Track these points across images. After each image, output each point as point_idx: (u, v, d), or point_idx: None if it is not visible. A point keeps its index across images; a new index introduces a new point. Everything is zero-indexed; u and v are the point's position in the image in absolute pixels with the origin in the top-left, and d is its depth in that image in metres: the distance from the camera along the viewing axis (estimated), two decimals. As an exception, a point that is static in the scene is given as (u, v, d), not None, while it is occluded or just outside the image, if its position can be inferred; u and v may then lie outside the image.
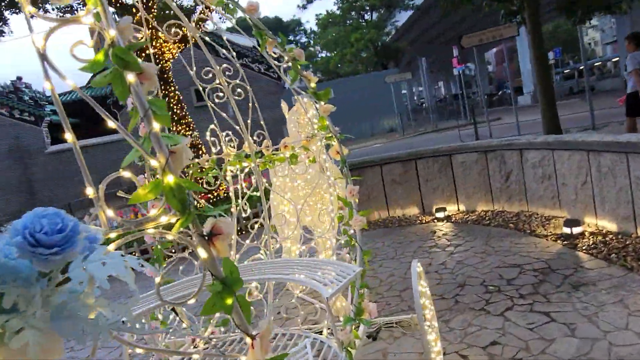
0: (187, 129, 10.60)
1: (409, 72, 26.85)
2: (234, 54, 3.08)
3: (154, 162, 0.98)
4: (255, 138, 3.32)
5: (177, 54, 11.06)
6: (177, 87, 10.69)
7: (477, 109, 20.03)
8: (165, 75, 10.48)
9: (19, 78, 28.78)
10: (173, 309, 2.87)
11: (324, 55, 42.88)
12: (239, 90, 3.18)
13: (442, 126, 22.85)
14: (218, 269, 1.00)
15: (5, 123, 22.20)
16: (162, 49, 10.41)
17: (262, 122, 3.35)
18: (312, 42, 44.35)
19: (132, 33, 1.11)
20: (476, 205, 6.29)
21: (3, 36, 12.23)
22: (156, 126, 0.98)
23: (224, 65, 3.22)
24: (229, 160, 3.27)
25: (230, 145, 3.32)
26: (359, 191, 2.81)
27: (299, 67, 2.60)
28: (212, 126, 3.41)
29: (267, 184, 3.60)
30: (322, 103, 2.71)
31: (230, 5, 2.38)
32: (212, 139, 3.42)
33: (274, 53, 2.55)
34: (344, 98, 23.66)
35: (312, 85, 2.66)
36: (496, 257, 4.44)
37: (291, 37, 49.85)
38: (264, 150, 3.20)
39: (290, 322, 3.78)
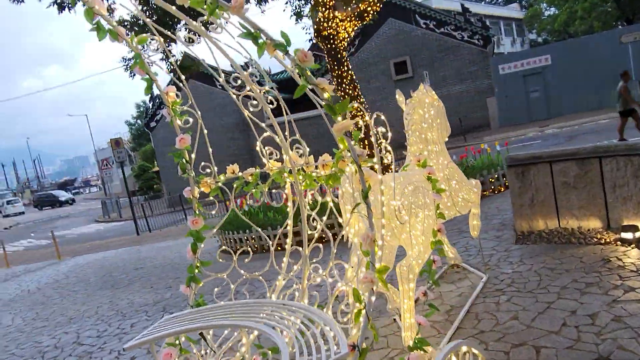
0: (358, 108, 10.39)
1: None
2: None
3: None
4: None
5: (352, 32, 10.86)
6: (350, 66, 10.52)
7: None
8: (339, 56, 10.40)
9: (251, 58, 33.12)
10: (201, 334, 2.71)
11: (551, 12, 37.09)
12: (270, 97, 2.72)
13: None
14: None
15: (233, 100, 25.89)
16: (338, 29, 10.32)
17: (297, 137, 2.83)
18: (538, -3, 38.75)
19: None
20: (689, 229, 4.43)
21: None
22: None
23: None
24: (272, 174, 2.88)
25: (275, 159, 2.92)
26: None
27: (309, 73, 2.02)
28: (261, 139, 3.03)
29: (333, 199, 3.09)
30: (339, 119, 2.07)
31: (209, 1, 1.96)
32: (268, 148, 3.07)
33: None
34: (567, 63, 20.05)
35: (326, 95, 2.05)
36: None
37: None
38: (305, 167, 2.70)
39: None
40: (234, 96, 2.88)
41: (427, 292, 2.91)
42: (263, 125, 3.03)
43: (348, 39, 10.96)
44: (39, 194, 53.38)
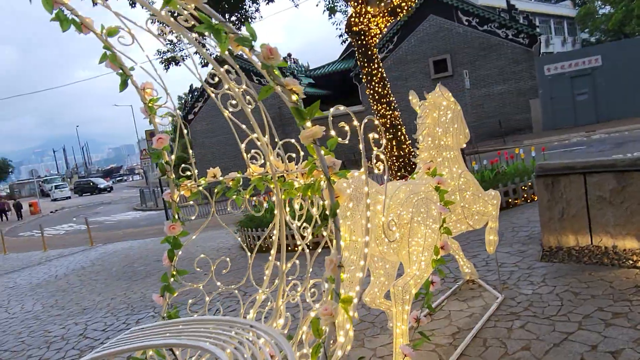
0: (387, 108, 10.05)
1: None
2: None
3: None
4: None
5: (385, 29, 10.50)
6: (380, 64, 10.17)
7: None
8: (370, 52, 10.07)
9: (289, 55, 33.17)
10: (171, 349, 2.54)
11: (605, 11, 35.12)
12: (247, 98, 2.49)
13: None
14: None
15: (271, 95, 25.76)
16: (369, 25, 9.99)
17: (292, 141, 2.59)
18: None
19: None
20: None
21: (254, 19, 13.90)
22: None
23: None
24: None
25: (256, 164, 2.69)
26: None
27: (276, 72, 1.77)
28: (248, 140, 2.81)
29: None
30: (308, 124, 1.82)
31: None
32: (255, 151, 2.84)
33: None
34: (619, 65, 18.84)
35: (294, 98, 1.80)
36: None
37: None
38: (286, 175, 2.46)
39: None
40: (213, 95, 2.66)
41: (421, 317, 2.61)
42: (244, 126, 2.80)
43: (380, 35, 10.61)
44: (79, 181, 55.70)
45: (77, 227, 24.17)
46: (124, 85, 2.35)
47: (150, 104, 2.48)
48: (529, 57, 20.97)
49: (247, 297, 3.47)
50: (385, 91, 10.13)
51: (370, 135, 2.41)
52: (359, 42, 10.09)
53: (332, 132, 2.12)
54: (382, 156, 2.48)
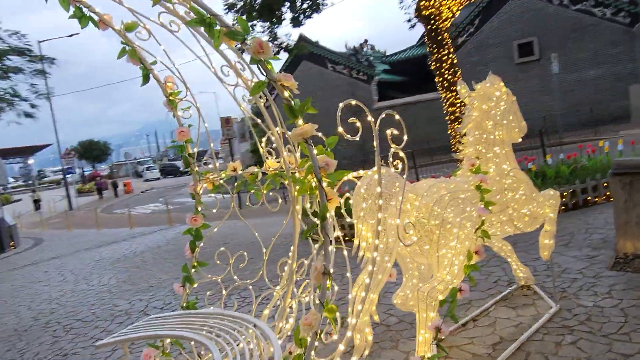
0: (457, 96, 9.54)
1: None
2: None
3: None
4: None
5: (457, 11, 9.93)
6: (451, 49, 9.66)
7: None
8: (440, 37, 9.59)
9: (366, 40, 32.73)
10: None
11: None
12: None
13: None
14: None
15: (345, 82, 25.81)
16: (440, 8, 9.50)
17: (286, 134, 2.49)
18: None
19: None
20: None
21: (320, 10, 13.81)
22: None
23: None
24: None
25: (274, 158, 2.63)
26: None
27: (269, 66, 1.70)
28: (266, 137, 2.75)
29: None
30: (299, 122, 1.72)
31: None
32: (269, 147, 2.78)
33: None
34: None
35: (286, 94, 1.71)
36: None
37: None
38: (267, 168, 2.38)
39: None
40: (229, 89, 2.63)
41: (442, 327, 2.43)
42: (258, 121, 2.75)
43: (453, 19, 10.06)
44: (164, 164, 59.68)
45: (162, 207, 25.89)
46: (145, 79, 2.40)
47: (171, 98, 2.51)
48: (629, 38, 18.86)
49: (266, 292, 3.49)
50: (456, 78, 9.62)
51: (389, 132, 2.26)
52: (429, 26, 9.65)
53: (340, 129, 2.01)
54: (401, 153, 2.33)
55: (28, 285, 8.94)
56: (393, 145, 2.29)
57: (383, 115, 2.41)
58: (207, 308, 3.01)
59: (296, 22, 14.27)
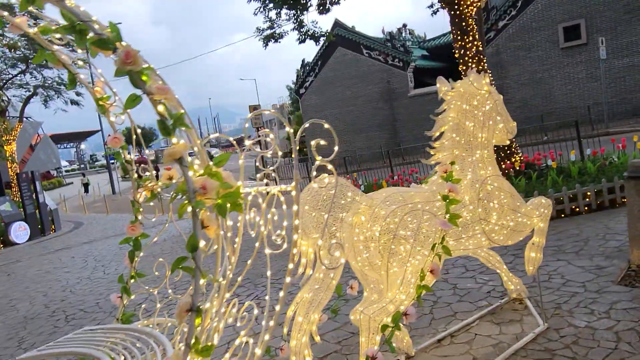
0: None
1: None
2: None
3: None
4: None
5: (484, -4, 9.34)
6: (477, 36, 9.11)
7: None
8: (464, 24, 9.06)
9: (404, 25, 31.81)
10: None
11: None
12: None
13: None
14: None
15: (380, 69, 25.22)
16: (466, -8, 8.96)
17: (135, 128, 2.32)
18: None
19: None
20: None
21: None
22: None
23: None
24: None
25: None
26: None
27: (144, 77, 1.53)
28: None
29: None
30: (174, 140, 1.56)
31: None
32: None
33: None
34: None
35: (161, 109, 1.54)
36: None
37: None
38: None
39: None
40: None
41: (378, 357, 2.21)
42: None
43: (479, 4, 9.48)
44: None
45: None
46: (72, 83, 2.30)
47: (101, 102, 2.41)
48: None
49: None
50: (480, 67, 9.09)
51: (313, 142, 2.05)
52: (452, 12, 9.14)
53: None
54: (329, 166, 2.12)
55: (52, 271, 9.32)
56: (318, 158, 2.09)
57: (307, 125, 2.21)
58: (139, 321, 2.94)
59: (323, 9, 13.96)
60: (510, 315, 3.72)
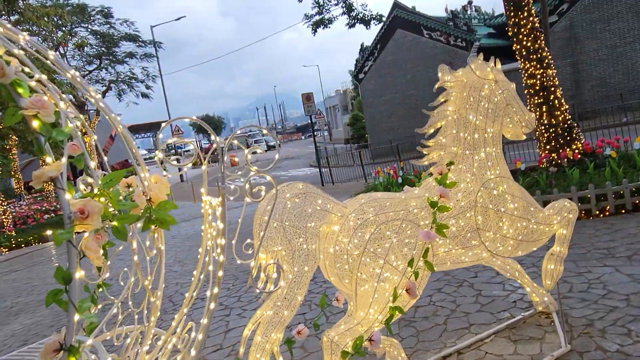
0: (538, 65, 8.21)
1: None
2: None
3: None
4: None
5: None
6: (533, 12, 8.27)
7: None
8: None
9: (470, 2, 30.06)
10: None
11: None
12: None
13: None
14: None
15: (442, 50, 24.05)
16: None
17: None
18: None
19: None
20: None
21: None
22: None
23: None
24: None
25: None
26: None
27: (20, 89, 1.39)
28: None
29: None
30: (48, 159, 1.39)
31: None
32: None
33: None
34: None
35: (37, 125, 1.39)
36: None
37: None
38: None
39: None
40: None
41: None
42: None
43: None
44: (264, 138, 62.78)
45: (259, 180, 27.02)
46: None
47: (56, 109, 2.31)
48: None
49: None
50: (537, 45, 8.27)
51: (247, 151, 1.83)
52: (504, -14, 8.35)
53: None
54: (268, 177, 1.89)
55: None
56: (253, 169, 1.87)
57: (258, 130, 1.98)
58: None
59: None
60: (531, 331, 3.28)
